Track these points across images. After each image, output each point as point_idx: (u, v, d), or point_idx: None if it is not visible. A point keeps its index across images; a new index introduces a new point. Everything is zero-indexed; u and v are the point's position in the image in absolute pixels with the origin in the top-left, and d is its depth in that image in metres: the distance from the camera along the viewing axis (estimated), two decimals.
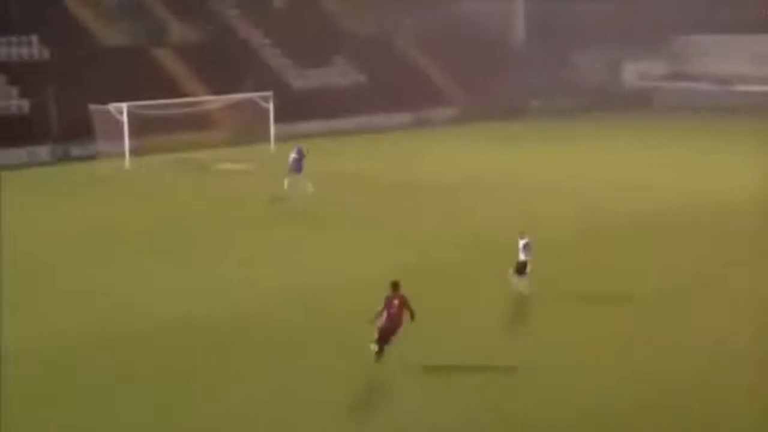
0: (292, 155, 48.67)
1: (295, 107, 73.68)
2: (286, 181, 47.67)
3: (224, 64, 75.86)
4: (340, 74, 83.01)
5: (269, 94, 64.86)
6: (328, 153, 62.33)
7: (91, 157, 61.81)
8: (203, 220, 42.55)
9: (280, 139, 64.72)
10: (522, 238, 31.43)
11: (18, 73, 67.26)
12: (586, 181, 51.91)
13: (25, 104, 65.72)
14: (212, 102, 66.08)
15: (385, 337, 25.07)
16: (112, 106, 57.94)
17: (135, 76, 69.33)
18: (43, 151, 63.81)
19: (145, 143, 61.78)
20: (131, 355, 26.40)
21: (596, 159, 60.93)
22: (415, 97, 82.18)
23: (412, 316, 25.42)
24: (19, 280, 32.77)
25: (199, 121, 66.01)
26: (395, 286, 25.27)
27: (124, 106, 57.56)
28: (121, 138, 57.83)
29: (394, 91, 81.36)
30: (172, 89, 69.22)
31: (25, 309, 29.88)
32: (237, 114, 66.45)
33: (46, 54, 70.80)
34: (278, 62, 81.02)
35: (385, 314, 24.99)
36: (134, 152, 59.16)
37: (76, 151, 63.91)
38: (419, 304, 25.74)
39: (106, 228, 41.47)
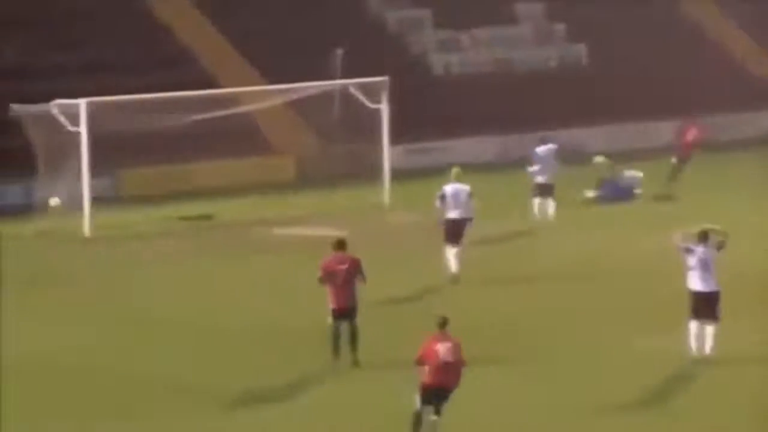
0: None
1: (442, 105, 53.39)
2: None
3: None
4: (531, 45, 60.02)
5: (383, 80, 43.64)
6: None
7: None
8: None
9: (402, 171, 44.74)
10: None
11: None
12: None
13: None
14: (262, 96, 46.74)
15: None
16: None
17: None
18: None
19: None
20: None
21: None
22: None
23: None
24: None
25: (238, 135, 47.10)
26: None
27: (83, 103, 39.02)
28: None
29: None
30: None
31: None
32: (314, 119, 49.48)
33: None
34: (397, 17, 57.56)
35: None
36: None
37: None
38: None
39: None
